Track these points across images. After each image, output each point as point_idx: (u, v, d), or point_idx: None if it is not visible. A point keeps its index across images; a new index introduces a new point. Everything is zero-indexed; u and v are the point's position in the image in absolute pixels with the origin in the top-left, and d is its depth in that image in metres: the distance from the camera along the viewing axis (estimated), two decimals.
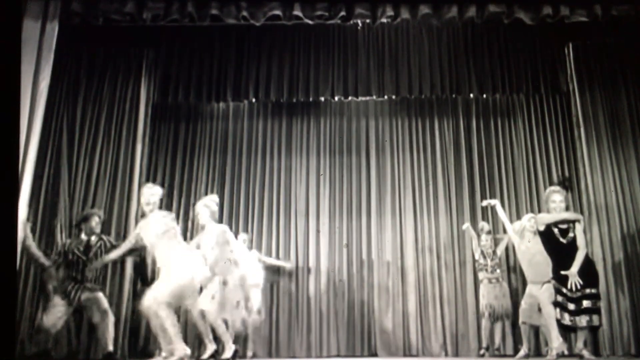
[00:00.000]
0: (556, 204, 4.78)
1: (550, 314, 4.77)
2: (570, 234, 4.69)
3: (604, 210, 6.14)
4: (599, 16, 5.28)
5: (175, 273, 4.31)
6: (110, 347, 5.16)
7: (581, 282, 4.53)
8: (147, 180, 6.82)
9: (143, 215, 4.71)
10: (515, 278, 6.62)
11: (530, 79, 6.90)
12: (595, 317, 4.54)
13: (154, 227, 4.47)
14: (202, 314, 4.77)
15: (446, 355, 6.51)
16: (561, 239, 4.70)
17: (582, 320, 4.53)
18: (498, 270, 6.15)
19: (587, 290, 4.57)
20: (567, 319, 4.56)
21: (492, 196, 6.81)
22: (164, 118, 7.31)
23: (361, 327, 6.69)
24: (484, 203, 6.13)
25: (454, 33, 6.98)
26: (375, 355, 6.54)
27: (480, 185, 7.07)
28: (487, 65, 6.90)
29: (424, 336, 6.61)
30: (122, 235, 6.18)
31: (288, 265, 6.85)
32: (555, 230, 4.72)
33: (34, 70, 4.60)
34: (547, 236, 4.80)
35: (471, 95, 7.16)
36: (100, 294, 5.30)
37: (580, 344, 4.74)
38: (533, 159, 7.02)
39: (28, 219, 5.07)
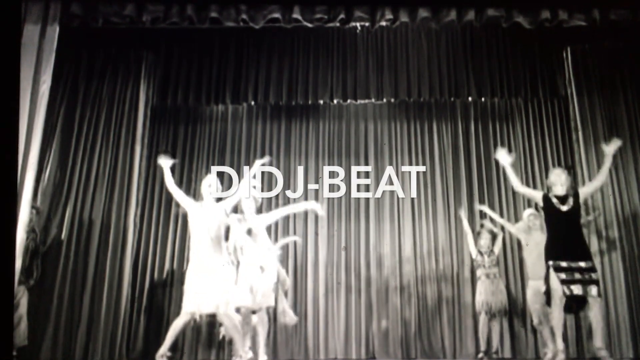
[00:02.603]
0: (558, 179, 4.68)
1: (555, 316, 4.68)
2: (570, 201, 4.57)
3: (602, 214, 6.15)
4: (597, 20, 5.31)
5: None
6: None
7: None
8: (146, 182, 6.85)
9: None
10: (512, 276, 6.66)
11: (529, 83, 6.92)
12: (594, 289, 4.41)
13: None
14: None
15: (444, 358, 6.51)
16: (560, 206, 4.58)
17: (592, 291, 4.37)
18: (495, 267, 6.16)
19: (582, 264, 4.46)
20: (576, 290, 4.39)
21: (490, 199, 6.90)
22: (163, 120, 7.31)
23: (359, 330, 6.68)
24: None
25: (453, 36, 7.00)
26: (373, 357, 6.54)
27: (479, 189, 7.07)
28: (485, 68, 6.92)
29: (422, 339, 6.61)
30: (122, 236, 6.18)
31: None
32: (554, 200, 4.62)
33: (34, 73, 4.61)
34: (547, 208, 4.66)
35: (470, 98, 7.19)
36: (23, 300, 5.10)
37: (599, 343, 4.48)
38: (531, 163, 7.04)
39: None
